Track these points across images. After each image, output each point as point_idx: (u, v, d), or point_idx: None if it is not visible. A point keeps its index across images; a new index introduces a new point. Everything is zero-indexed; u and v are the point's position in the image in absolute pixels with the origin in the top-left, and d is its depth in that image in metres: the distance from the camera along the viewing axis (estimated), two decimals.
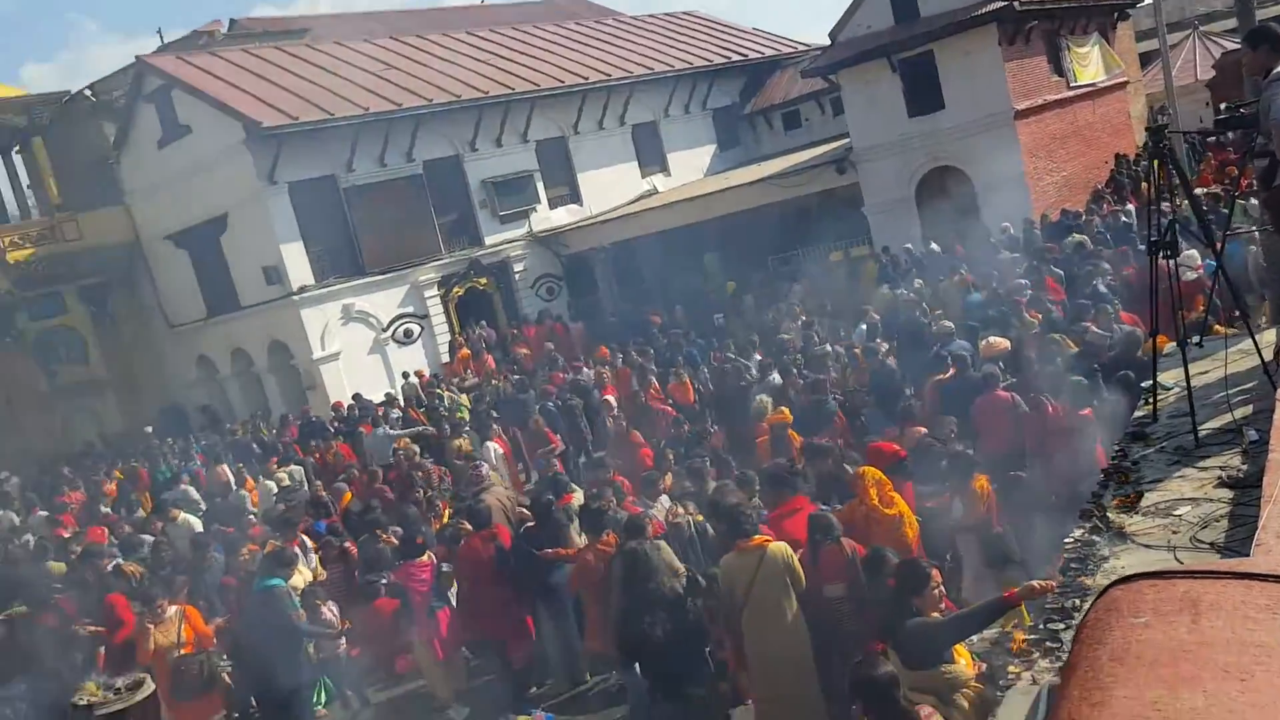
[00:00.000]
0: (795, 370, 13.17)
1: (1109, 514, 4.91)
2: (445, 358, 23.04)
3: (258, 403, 23.46)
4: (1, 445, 22.48)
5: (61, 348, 24.55)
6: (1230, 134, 13.62)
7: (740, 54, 31.30)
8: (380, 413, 18.00)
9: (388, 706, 9.66)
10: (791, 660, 6.69)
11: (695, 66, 29.38)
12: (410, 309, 23.34)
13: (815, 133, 27.71)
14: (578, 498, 10.06)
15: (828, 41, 23.37)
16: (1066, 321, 11.79)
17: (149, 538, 12.54)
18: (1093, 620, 1.96)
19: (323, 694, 9.61)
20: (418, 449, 15.17)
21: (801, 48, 31.90)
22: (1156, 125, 5.78)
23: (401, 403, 18.92)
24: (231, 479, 16.03)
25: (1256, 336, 5.65)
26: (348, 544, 11.16)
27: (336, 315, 22.17)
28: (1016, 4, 19.75)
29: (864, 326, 14.81)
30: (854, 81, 21.87)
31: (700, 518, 8.74)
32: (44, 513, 16.09)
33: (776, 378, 12.91)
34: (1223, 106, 6.01)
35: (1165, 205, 5.70)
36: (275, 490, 14.68)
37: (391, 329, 22.97)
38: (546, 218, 25.82)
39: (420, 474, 13.52)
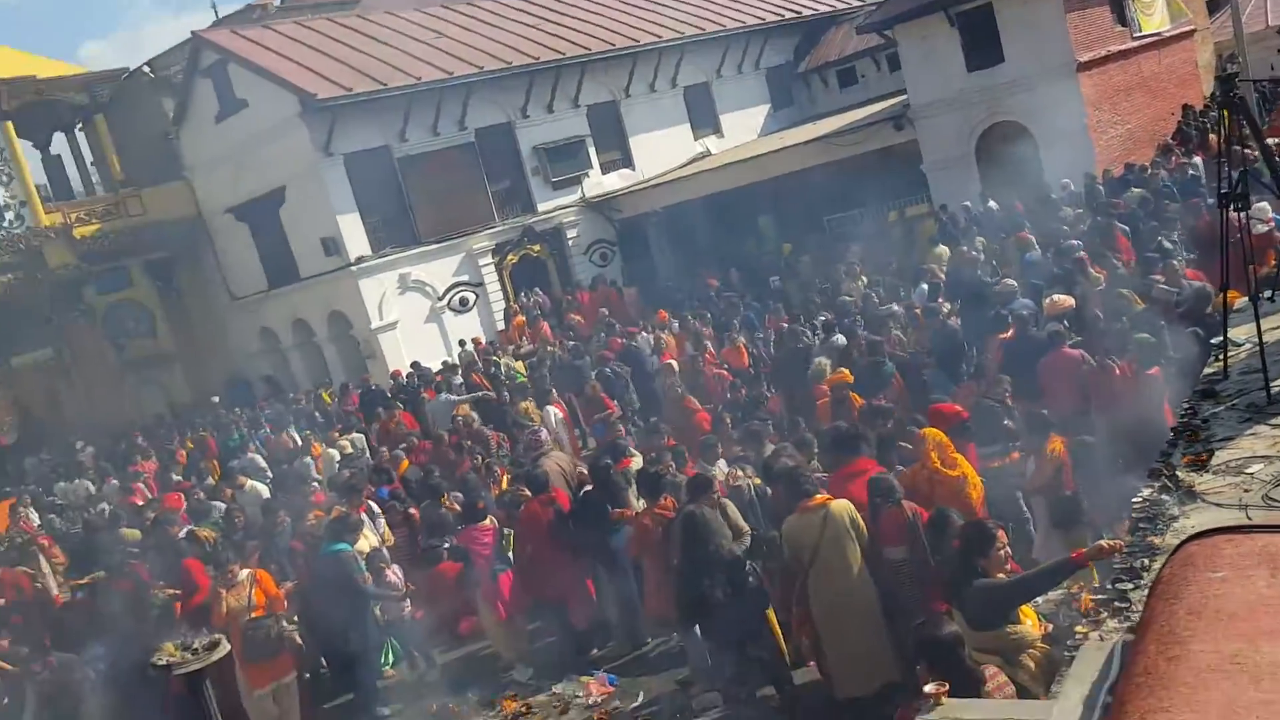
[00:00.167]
0: (856, 331, 13.05)
1: (1178, 473, 4.81)
2: (500, 325, 23.18)
3: (319, 372, 23.83)
4: (75, 417, 23.18)
5: (129, 321, 25.12)
6: None
7: (794, 11, 30.75)
8: (442, 379, 18.20)
9: (453, 667, 9.83)
10: (860, 615, 6.70)
11: (748, 25, 28.91)
12: (465, 277, 23.48)
13: (871, 90, 27.20)
14: (636, 462, 10.11)
15: None
16: (1133, 278, 11.54)
17: (220, 504, 12.86)
18: (1168, 576, 1.93)
19: (389, 655, 9.83)
20: (476, 416, 15.32)
21: (856, 3, 31.24)
22: (1226, 74, 5.58)
23: (460, 370, 19.09)
24: (301, 442, 16.34)
25: None
26: (411, 509, 11.37)
27: (393, 285, 22.39)
28: None
29: (924, 286, 14.62)
30: (911, 36, 21.41)
31: (759, 481, 8.74)
32: (116, 482, 16.57)
33: (840, 339, 12.81)
34: None
35: (1236, 156, 5.52)
36: (338, 458, 14.94)
37: (447, 297, 23.15)
38: (599, 183, 25.74)
39: (471, 441, 13.63)
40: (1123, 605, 4.40)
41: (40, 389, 23.79)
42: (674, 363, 14.98)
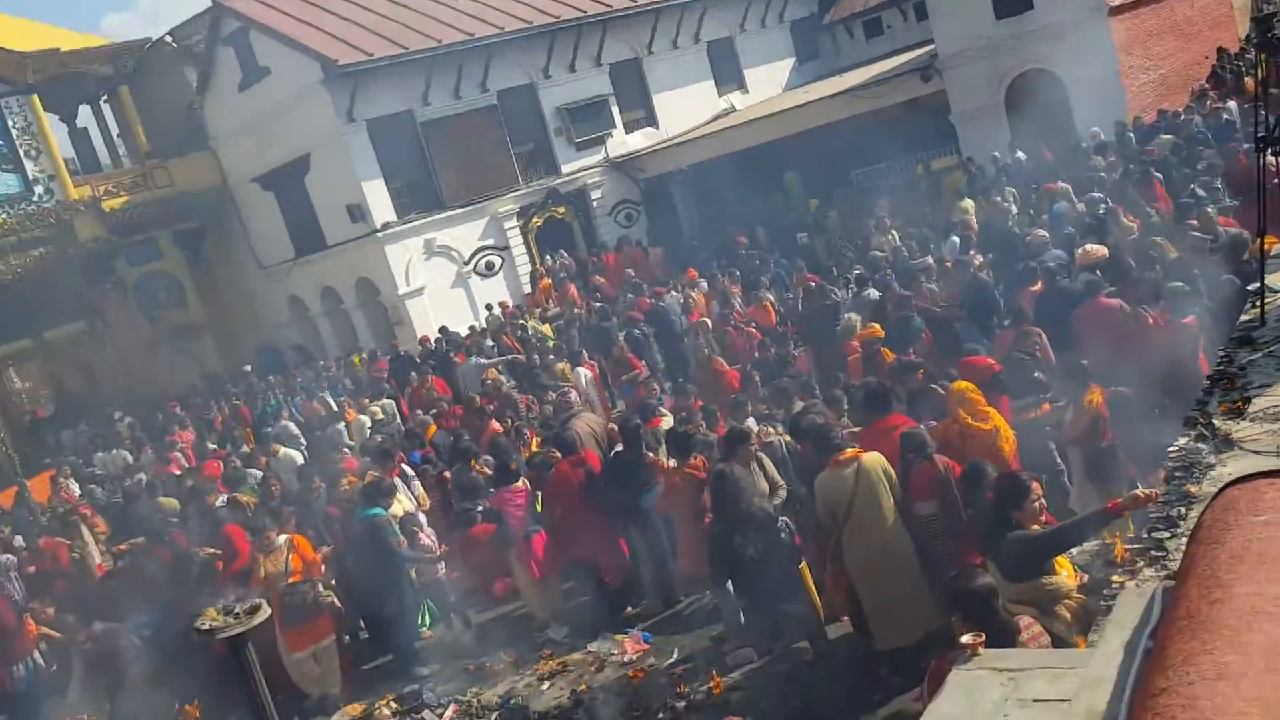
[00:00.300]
0: (891, 285, 12.96)
1: (1214, 421, 4.75)
2: (527, 288, 23.19)
3: (348, 340, 23.99)
4: (110, 389, 23.49)
5: (160, 292, 25.35)
6: None
7: None
8: (472, 342, 18.28)
9: (489, 627, 9.93)
10: (897, 566, 6.71)
11: None
12: (490, 241, 23.49)
13: (898, 40, 26.77)
14: (666, 421, 10.12)
15: None
16: (1167, 225, 11.37)
17: (256, 472, 13.01)
18: (1209, 520, 1.91)
19: (426, 616, 9.95)
20: (504, 379, 15.37)
21: None
22: (1263, 14, 5.44)
23: (490, 334, 19.15)
24: (337, 407, 16.49)
25: None
26: (444, 473, 11.46)
27: (419, 250, 22.43)
28: None
29: (955, 239, 14.48)
30: None
31: (790, 438, 8.73)
32: (152, 452, 16.80)
33: (873, 293, 12.72)
34: None
35: (1273, 99, 5.39)
36: (370, 424, 15.06)
37: (473, 262, 23.18)
38: (623, 142, 25.57)
39: (500, 404, 13.67)
40: (1159, 554, 4.36)
41: (75, 362, 24.10)
42: (708, 320, 14.97)
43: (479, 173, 23.21)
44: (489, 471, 10.54)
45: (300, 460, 13.58)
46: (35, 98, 22.54)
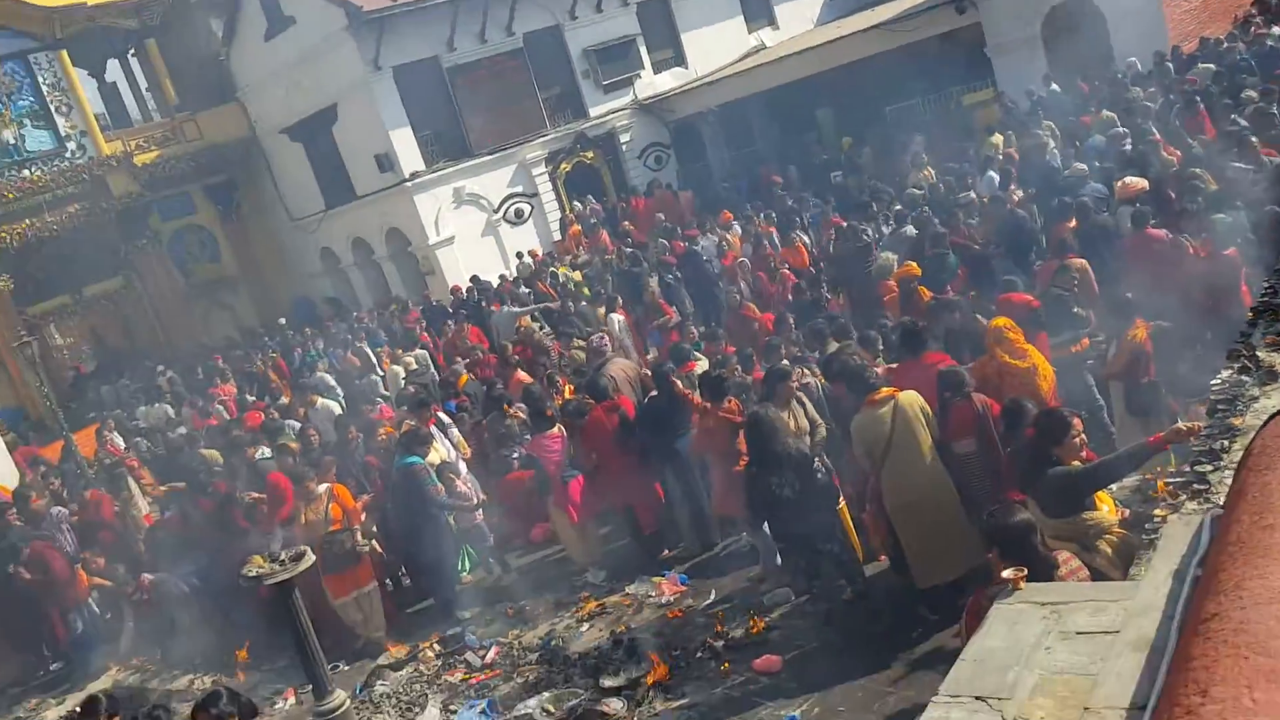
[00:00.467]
0: (932, 220, 12.79)
1: (1258, 353, 4.68)
2: (556, 235, 23.11)
3: (380, 291, 24.09)
4: (148, 344, 23.80)
5: (194, 246, 25.55)
6: None
7: None
8: (507, 290, 18.28)
9: (528, 572, 10.06)
10: (937, 503, 6.70)
11: None
12: (519, 188, 23.37)
13: None
14: (701, 365, 10.11)
15: None
16: (1208, 156, 11.11)
17: (294, 423, 13.16)
18: (1259, 448, 1.88)
19: (466, 562, 10.09)
20: (537, 326, 15.40)
21: None
22: None
23: (522, 281, 19.16)
24: (374, 359, 16.61)
25: None
26: (480, 421, 11.55)
27: (448, 199, 22.38)
28: None
29: (992, 174, 14.25)
30: None
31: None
32: (189, 409, 17.05)
33: (910, 230, 12.58)
34: None
35: None
36: (404, 374, 15.17)
37: (502, 210, 23.10)
38: (651, 83, 25.22)
39: (528, 352, 13.69)
40: (1202, 487, 4.32)
41: (113, 317, 24.41)
42: (746, 260, 14.87)
43: (506, 118, 23.04)
44: (524, 418, 10.61)
45: (338, 410, 13.73)
46: (64, 53, 22.56)
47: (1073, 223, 10.46)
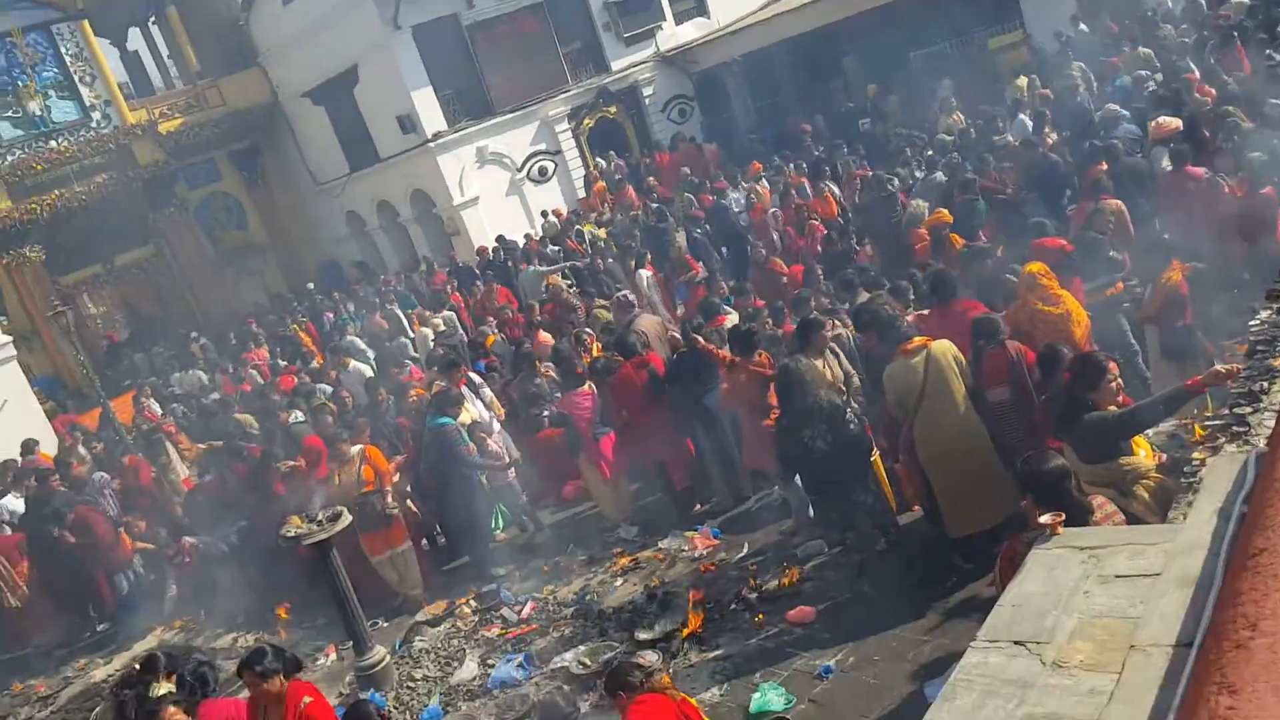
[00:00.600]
0: (966, 167, 12.63)
1: None
2: (581, 193, 23.01)
3: (407, 253, 24.12)
4: (180, 311, 24.03)
5: (221, 213, 25.67)
6: None
7: None
8: (535, 249, 18.25)
9: (561, 529, 10.13)
10: (969, 453, 6.67)
11: None
12: (542, 146, 23.23)
13: None
14: (731, 319, 10.07)
15: None
16: (1244, 94, 10.87)
17: (326, 387, 13.25)
18: None
19: (499, 520, 10.17)
20: (565, 285, 15.38)
21: None
22: None
23: (548, 240, 19.13)
24: (405, 321, 16.67)
25: None
26: (509, 381, 11.59)
27: (471, 159, 22.29)
28: None
29: (1023, 117, 14.02)
30: None
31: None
32: (222, 374, 17.22)
33: (940, 176, 12.42)
34: None
35: None
36: (432, 336, 15.22)
37: (526, 168, 23.00)
38: (673, 35, 24.86)
39: (555, 311, 13.68)
40: (1241, 429, 4.27)
41: (145, 285, 24.63)
42: (778, 213, 14.75)
43: (527, 75, 22.85)
44: (554, 376, 10.64)
45: (369, 373, 13.82)
46: (85, 23, 22.58)
47: (1104, 165, 10.29)
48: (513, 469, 10.00)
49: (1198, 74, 12.39)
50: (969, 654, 2.94)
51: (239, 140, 25.38)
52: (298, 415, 12.08)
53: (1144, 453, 5.23)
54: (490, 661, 7.84)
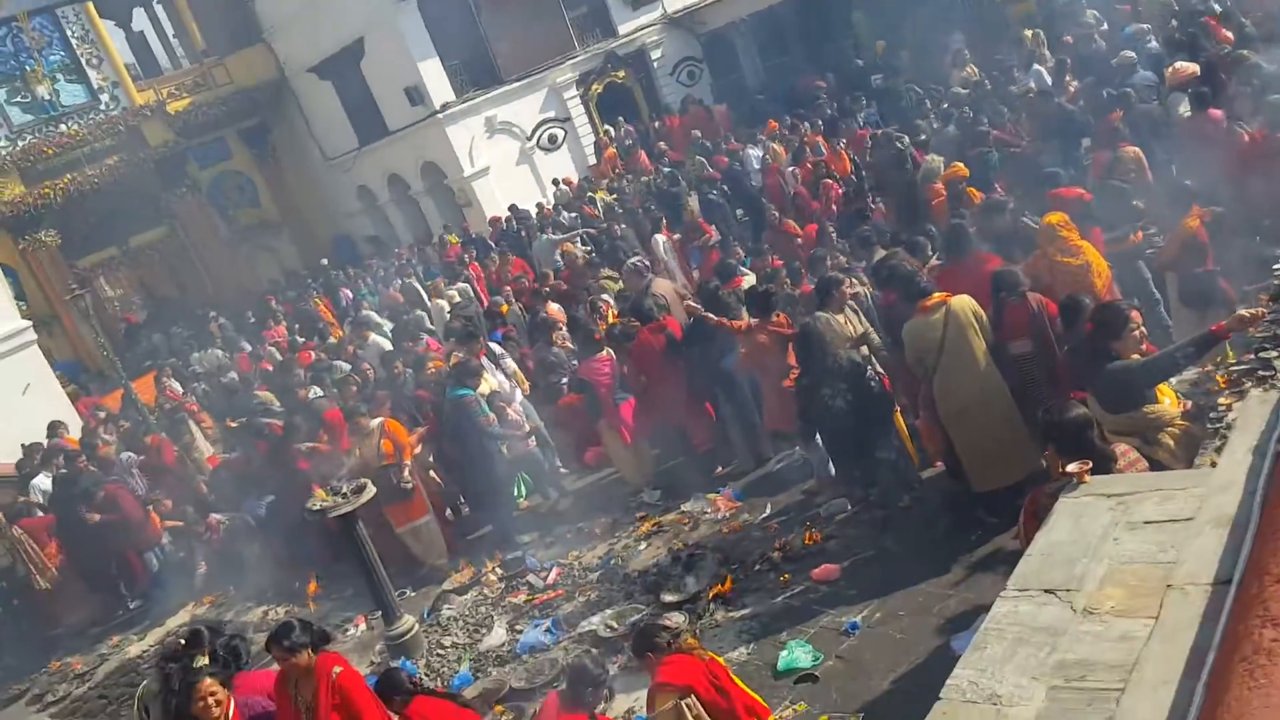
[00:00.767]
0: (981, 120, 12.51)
1: None
2: (592, 160, 22.89)
3: (419, 227, 24.09)
4: (196, 291, 24.14)
5: (233, 191, 25.68)
6: None
7: None
8: (549, 217, 18.19)
9: (583, 495, 10.17)
10: (990, 409, 6.65)
11: None
12: (551, 113, 23.08)
13: None
14: (748, 280, 10.03)
15: None
16: (1263, 36, 10.70)
17: (344, 364, 13.28)
18: None
19: (522, 488, 10.23)
20: (580, 253, 15.33)
21: None
22: None
23: (561, 208, 19.05)
24: (424, 294, 16.68)
25: None
26: (523, 350, 11.61)
27: (481, 129, 22.17)
28: None
29: (1038, 67, 13.86)
30: None
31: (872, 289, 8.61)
32: (228, 353, 17.29)
33: (953, 130, 12.30)
34: None
35: None
36: (448, 308, 15.22)
37: (535, 137, 22.87)
38: None
39: (564, 277, 13.64)
40: (1267, 373, 4.24)
41: (160, 266, 24.73)
42: (795, 170, 14.64)
43: (534, 41, 22.64)
44: (569, 345, 10.64)
45: (388, 346, 13.86)
46: (90, 5, 22.53)
47: (1119, 113, 10.18)
48: (533, 438, 10.03)
49: (1216, 8, 12.20)
50: (998, 603, 2.94)
51: (247, 118, 25.33)
52: (316, 391, 12.13)
53: (1168, 400, 5.20)
54: (518, 627, 7.91)
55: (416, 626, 8.10)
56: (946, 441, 6.97)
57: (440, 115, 21.58)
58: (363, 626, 8.88)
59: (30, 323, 16.19)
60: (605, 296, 12.05)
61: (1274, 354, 4.36)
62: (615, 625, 7.26)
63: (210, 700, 5.19)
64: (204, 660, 5.35)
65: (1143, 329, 5.40)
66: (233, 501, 10.81)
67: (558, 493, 10.23)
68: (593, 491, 10.23)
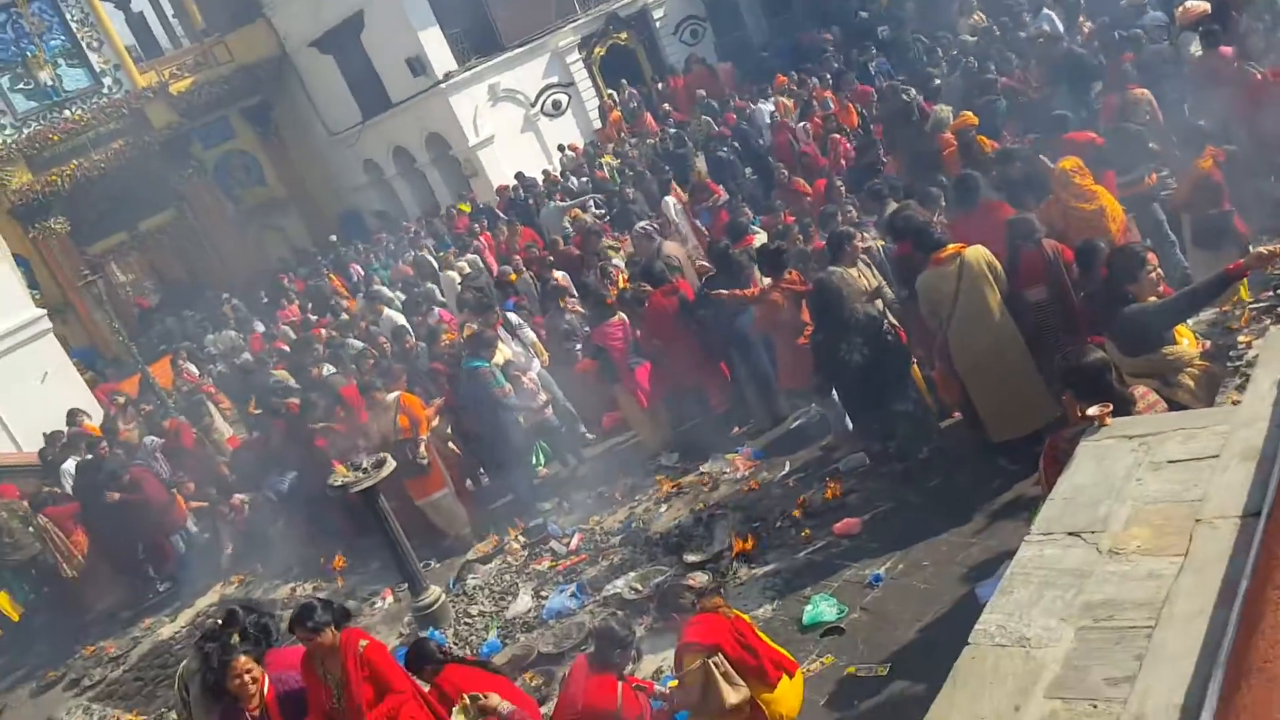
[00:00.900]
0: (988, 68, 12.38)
1: None
2: (597, 124, 22.75)
3: (426, 199, 24.03)
4: (206, 273, 24.17)
5: (239, 171, 25.61)
6: None
7: None
8: (556, 183, 18.10)
9: (602, 461, 10.20)
10: (1006, 359, 6.63)
11: None
12: (555, 79, 22.91)
13: None
14: (759, 239, 9.99)
15: None
16: None
17: (356, 342, 13.29)
18: None
19: (540, 456, 10.26)
20: (589, 218, 15.28)
21: None
22: None
23: (570, 174, 18.97)
24: (438, 263, 16.68)
25: None
26: (535, 318, 11.61)
27: (484, 98, 22.03)
28: None
29: (1047, 11, 13.68)
30: None
31: (884, 242, 8.57)
32: (242, 334, 17.34)
33: (958, 78, 12.18)
34: None
35: None
36: (458, 279, 15.21)
37: (539, 103, 22.72)
38: None
39: (575, 244, 13.59)
40: None
41: (170, 249, 24.72)
42: (806, 125, 14.52)
43: (534, 6, 22.42)
44: (580, 310, 10.63)
45: (402, 320, 13.86)
46: None
47: (1129, 55, 10.05)
48: (550, 406, 10.05)
49: None
50: (1023, 548, 2.95)
51: (250, 96, 25.21)
52: (329, 369, 12.16)
53: (1186, 341, 5.17)
54: (544, 593, 7.97)
55: (443, 597, 8.18)
56: (963, 392, 6.96)
57: (443, 85, 21.44)
58: (390, 599, 8.96)
59: (45, 311, 16.25)
60: (616, 261, 12.02)
61: None
62: (639, 587, 7.31)
63: (247, 677, 5.27)
64: (238, 638, 5.43)
65: (1159, 271, 5.36)
66: (255, 481, 10.88)
67: (577, 460, 10.26)
68: (611, 456, 10.27)
